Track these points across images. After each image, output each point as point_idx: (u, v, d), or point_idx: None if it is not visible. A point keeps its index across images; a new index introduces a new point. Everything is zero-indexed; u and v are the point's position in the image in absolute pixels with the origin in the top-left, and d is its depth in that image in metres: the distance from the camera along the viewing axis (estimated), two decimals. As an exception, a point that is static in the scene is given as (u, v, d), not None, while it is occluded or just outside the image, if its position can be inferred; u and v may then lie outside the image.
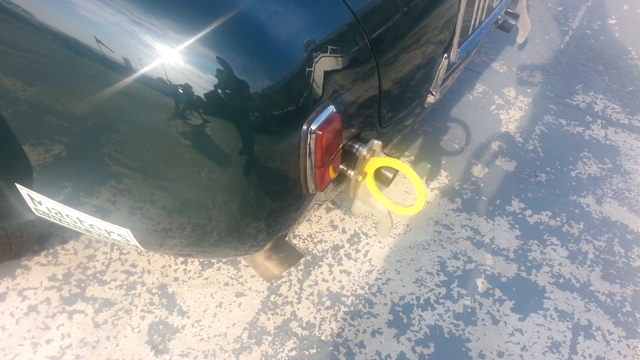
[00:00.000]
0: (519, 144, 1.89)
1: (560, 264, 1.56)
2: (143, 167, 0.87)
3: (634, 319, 1.45)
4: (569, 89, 2.13)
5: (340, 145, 0.84)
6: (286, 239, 1.09)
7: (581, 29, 2.43)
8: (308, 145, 0.77)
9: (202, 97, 0.74)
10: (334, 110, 0.77)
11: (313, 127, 0.76)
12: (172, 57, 0.72)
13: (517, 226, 1.64)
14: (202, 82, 0.74)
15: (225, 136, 0.77)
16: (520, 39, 1.65)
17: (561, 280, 1.52)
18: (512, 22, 1.43)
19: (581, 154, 1.88)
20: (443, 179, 1.77)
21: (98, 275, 1.46)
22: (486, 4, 1.14)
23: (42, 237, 1.51)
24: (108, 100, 0.79)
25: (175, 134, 0.79)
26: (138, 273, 1.47)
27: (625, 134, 1.97)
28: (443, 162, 1.82)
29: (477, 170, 1.80)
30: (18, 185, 1.01)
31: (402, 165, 0.97)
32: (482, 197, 1.72)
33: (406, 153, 1.85)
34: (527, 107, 2.03)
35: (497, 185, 1.76)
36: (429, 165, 1.81)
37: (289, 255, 1.03)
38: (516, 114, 2.01)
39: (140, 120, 0.79)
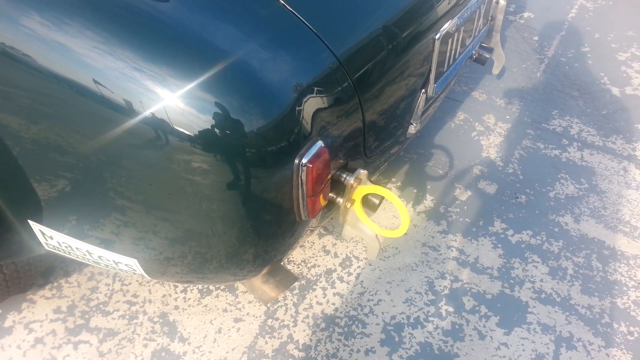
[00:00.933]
0: (500, 168, 2.00)
1: (541, 280, 1.64)
2: (147, 200, 0.94)
3: (612, 329, 1.53)
4: (546, 114, 2.24)
5: (329, 176, 0.93)
6: (281, 263, 1.16)
7: (556, 57, 2.56)
8: (300, 177, 0.86)
9: (202, 136, 0.82)
10: (322, 145, 0.86)
11: (304, 160, 0.84)
12: (172, 101, 0.81)
13: (499, 245, 1.73)
14: (201, 122, 0.82)
15: (224, 171, 0.85)
16: (495, 70, 1.76)
17: (543, 296, 1.60)
18: (487, 56, 1.54)
19: (559, 176, 1.98)
20: (429, 202, 1.86)
21: (101, 306, 1.52)
22: (459, 42, 1.25)
23: (46, 271, 1.58)
24: (113, 139, 0.87)
25: (177, 169, 0.87)
26: (140, 303, 1.53)
27: (600, 155, 2.08)
28: (428, 186, 1.92)
29: (461, 194, 1.90)
30: (30, 222, 1.08)
31: (386, 192, 1.06)
32: (466, 219, 1.81)
33: (393, 179, 1.94)
34: (506, 133, 2.14)
35: (480, 207, 1.85)
36: (415, 190, 1.90)
37: (285, 279, 1.11)
38: (496, 139, 2.11)
39: (144, 157, 0.87)
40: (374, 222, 1.12)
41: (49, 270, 1.58)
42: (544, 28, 2.72)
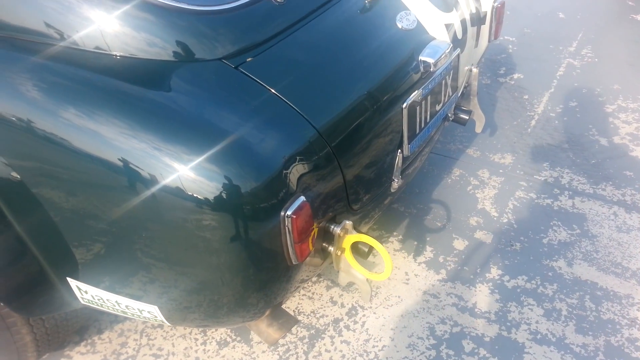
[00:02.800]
0: (495, 218, 2.14)
1: (537, 322, 1.74)
2: (168, 257, 1.13)
3: (607, 366, 1.61)
4: (537, 166, 2.40)
5: (315, 225, 1.11)
6: (282, 306, 1.32)
7: (546, 113, 2.75)
8: (287, 227, 1.04)
9: (210, 198, 1.01)
10: (304, 199, 1.05)
11: (289, 212, 1.03)
12: (185, 172, 1.01)
13: (496, 291, 1.85)
14: (209, 188, 1.01)
15: (228, 226, 1.04)
16: (478, 129, 1.95)
17: (539, 336, 1.70)
18: (465, 117, 1.73)
19: (551, 223, 2.11)
20: (428, 253, 2.00)
21: (130, 359, 1.67)
22: (428, 108, 1.45)
23: (81, 330, 1.75)
24: (138, 206, 1.07)
25: (190, 227, 1.05)
26: (164, 355, 1.68)
27: (590, 202, 2.20)
28: (428, 238, 2.06)
29: (459, 244, 2.04)
30: (68, 279, 1.28)
31: (370, 239, 1.23)
32: (464, 267, 1.94)
33: (395, 233, 2.10)
34: (500, 186, 2.30)
35: (477, 256, 1.98)
36: (415, 242, 2.05)
37: (287, 321, 1.26)
38: (490, 192, 2.27)
39: (164, 219, 1.06)
40: (364, 268, 1.28)
41: (83, 329, 1.75)
42: (534, 87, 2.92)
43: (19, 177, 1.14)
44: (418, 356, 1.66)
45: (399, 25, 1.42)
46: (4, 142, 1.12)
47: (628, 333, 1.69)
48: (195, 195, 1.01)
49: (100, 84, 1.08)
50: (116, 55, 1.14)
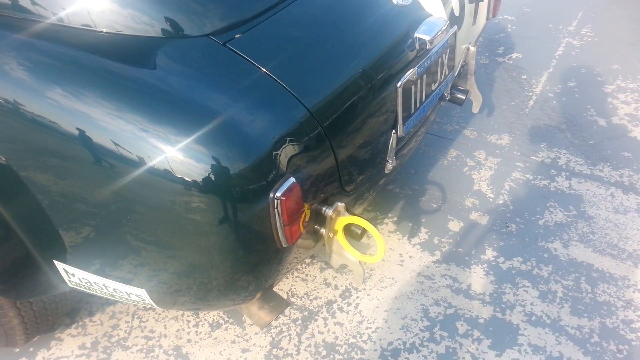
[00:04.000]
0: (490, 199, 2.12)
1: (532, 304, 1.73)
2: (156, 240, 1.10)
3: (601, 348, 1.60)
4: (535, 147, 2.37)
5: (306, 207, 1.08)
6: (273, 289, 1.30)
7: (544, 93, 2.71)
8: (276, 209, 1.01)
9: (198, 180, 0.98)
10: (294, 181, 1.02)
11: (278, 194, 1.00)
12: (173, 153, 0.98)
13: (491, 272, 1.83)
14: (197, 169, 0.98)
15: (216, 208, 1.01)
16: (475, 109, 1.92)
17: (533, 318, 1.69)
18: (462, 97, 1.70)
19: (547, 204, 2.09)
20: (423, 235, 1.98)
21: (121, 341, 1.66)
22: (424, 88, 1.41)
23: (71, 312, 1.74)
24: (125, 188, 1.04)
25: (179, 210, 1.03)
26: (156, 337, 1.67)
27: (587, 183, 2.18)
28: (423, 220, 2.04)
29: (454, 225, 2.02)
30: (55, 262, 1.26)
31: (363, 221, 1.20)
32: (459, 249, 1.92)
33: (390, 214, 2.08)
34: (496, 167, 2.27)
35: (472, 237, 1.97)
36: (410, 224, 2.03)
37: (278, 304, 1.24)
38: (487, 173, 2.24)
39: (151, 202, 1.04)
40: (357, 250, 1.25)
41: (74, 311, 1.74)
42: (532, 66, 2.88)
43: (3, 159, 1.11)
44: (412, 338, 1.65)
45: (394, 0, 1.37)
46: (-14, 123, 1.08)
47: (623, 315, 1.69)
48: (183, 177, 0.98)
49: (87, 63, 1.05)
50: (102, 32, 1.10)
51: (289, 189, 1.00)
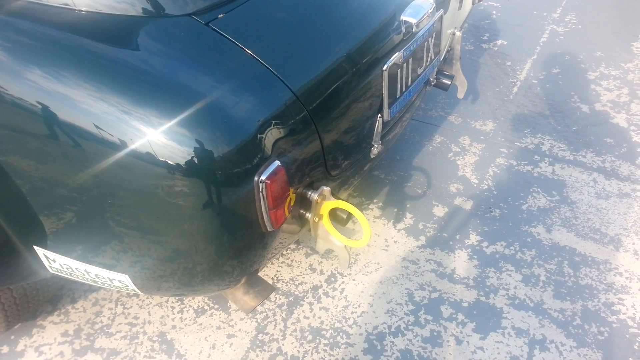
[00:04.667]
0: (475, 185, 2.13)
1: (515, 287, 1.75)
2: (139, 225, 1.08)
3: (583, 330, 1.62)
4: (518, 133, 2.38)
5: (291, 190, 1.07)
6: (258, 274, 1.29)
7: (528, 80, 2.72)
8: (261, 192, 1.00)
9: (181, 163, 0.97)
10: (279, 164, 1.01)
11: (262, 177, 0.99)
12: (155, 136, 0.96)
13: (475, 257, 1.85)
14: (180, 152, 0.97)
15: (200, 192, 0.99)
16: (460, 95, 1.92)
17: (517, 302, 1.71)
18: (447, 82, 1.69)
19: (531, 189, 2.11)
20: (408, 220, 1.99)
21: (105, 328, 1.64)
22: (409, 72, 1.40)
23: (54, 299, 1.71)
24: (108, 173, 1.02)
25: (162, 194, 1.01)
26: (140, 324, 1.66)
27: (570, 168, 2.20)
28: (408, 205, 2.05)
29: (438, 211, 2.02)
30: (35, 247, 1.23)
31: (349, 206, 1.20)
32: (444, 234, 1.93)
33: (375, 200, 2.08)
34: (480, 153, 2.28)
35: (456, 222, 1.97)
36: (395, 209, 2.03)
37: (263, 289, 1.23)
38: (471, 159, 2.25)
39: (134, 186, 1.02)
40: (342, 234, 1.25)
41: (56, 298, 1.71)
42: (516, 53, 2.89)
43: (-20, 142, 1.08)
44: (397, 322, 1.65)
45: (380, -17, 1.36)
46: (-40, 104, 1.05)
47: (605, 298, 1.71)
48: (166, 160, 0.97)
49: (66, 43, 1.02)
50: (82, 11, 1.07)
51: (274, 173, 0.99)
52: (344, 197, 1.42)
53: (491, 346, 1.59)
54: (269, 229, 1.07)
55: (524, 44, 2.96)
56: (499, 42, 2.98)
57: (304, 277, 1.79)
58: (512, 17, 3.19)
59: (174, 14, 1.07)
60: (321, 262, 1.84)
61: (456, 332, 1.63)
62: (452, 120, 2.46)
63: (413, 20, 1.32)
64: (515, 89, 2.65)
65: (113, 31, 1.05)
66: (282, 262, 1.84)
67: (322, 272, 1.81)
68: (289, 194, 1.06)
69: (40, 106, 0.99)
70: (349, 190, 1.50)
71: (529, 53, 2.89)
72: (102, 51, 1.01)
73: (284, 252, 1.88)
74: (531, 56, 2.89)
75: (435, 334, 1.62)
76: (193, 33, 1.06)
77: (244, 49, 1.07)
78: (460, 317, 1.67)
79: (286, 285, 1.76)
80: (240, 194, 1.00)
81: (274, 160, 1.01)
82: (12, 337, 1.61)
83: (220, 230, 1.05)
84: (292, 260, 1.85)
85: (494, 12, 3.24)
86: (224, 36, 1.07)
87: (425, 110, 2.53)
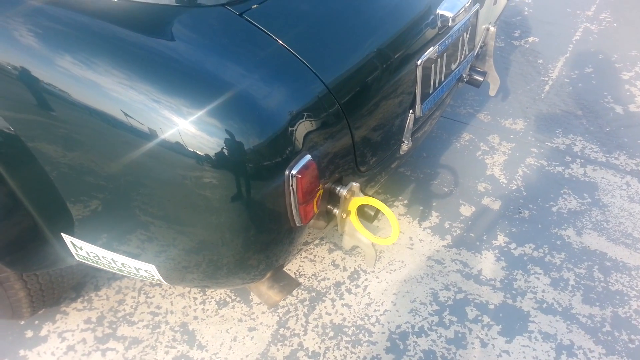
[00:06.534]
0: (503, 185, 2.08)
1: (543, 291, 1.71)
2: (166, 215, 1.08)
3: (613, 337, 1.58)
4: (550, 133, 2.33)
5: (320, 185, 1.05)
6: (284, 269, 1.28)
7: (560, 78, 2.65)
8: (291, 187, 0.98)
9: (210, 154, 0.95)
10: (310, 158, 0.99)
11: (293, 171, 0.97)
12: (185, 126, 0.94)
13: (502, 258, 1.81)
14: (210, 144, 0.95)
15: (229, 184, 0.98)
16: (492, 92, 1.87)
17: (544, 305, 1.66)
18: (480, 78, 1.65)
19: (561, 191, 2.05)
20: (434, 219, 1.95)
21: (127, 317, 1.65)
22: (443, 67, 1.37)
23: (77, 286, 1.72)
24: (136, 162, 1.01)
25: (190, 185, 1.00)
26: (162, 314, 1.66)
27: (602, 170, 2.14)
28: (434, 204, 2.01)
29: (465, 210, 1.98)
30: (63, 234, 1.23)
31: (378, 203, 1.17)
32: (470, 234, 1.89)
33: (401, 197, 2.04)
34: (510, 152, 2.23)
35: (483, 222, 1.93)
36: (421, 207, 2.00)
37: (288, 284, 1.22)
38: (500, 158, 2.20)
39: (162, 176, 1.01)
40: (370, 232, 1.23)
41: (80, 285, 1.72)
42: (549, 51, 2.82)
43: (12, 129, 1.08)
44: (420, 321, 1.63)
45: (416, -25, 1.33)
46: (-5, 92, 1.05)
47: (636, 305, 1.66)
48: (195, 151, 0.95)
49: (98, 30, 1.01)
50: (115, -1, 1.06)
51: (305, 167, 0.97)
52: (370, 194, 1.40)
53: (517, 350, 1.55)
54: (297, 224, 1.05)
55: (557, 42, 2.88)
56: (530, 39, 2.91)
57: (326, 273, 1.77)
58: (544, 14, 3.11)
59: (208, 3, 1.05)
60: (344, 258, 1.82)
61: (481, 334, 1.59)
62: (481, 118, 2.41)
63: (449, 14, 1.28)
64: (547, 87, 2.58)
65: (146, 20, 1.04)
66: (304, 257, 1.83)
67: (345, 269, 1.78)
68: (319, 189, 1.04)
69: (70, 92, 0.99)
70: (376, 187, 1.47)
71: (561, 51, 2.82)
72: (134, 39, 1.00)
73: (307, 247, 1.86)
74: (564, 54, 2.81)
75: (459, 335, 1.59)
76: (226, 23, 1.04)
77: (277, 40, 1.05)
78: (486, 319, 1.63)
79: (308, 281, 1.75)
80: (270, 187, 0.98)
81: (305, 154, 0.99)
82: (37, 322, 1.63)
83: (248, 224, 1.03)
84: (315, 256, 1.83)
85: (526, 8, 3.17)
86: (258, 27, 1.05)
87: (454, 107, 2.48)
